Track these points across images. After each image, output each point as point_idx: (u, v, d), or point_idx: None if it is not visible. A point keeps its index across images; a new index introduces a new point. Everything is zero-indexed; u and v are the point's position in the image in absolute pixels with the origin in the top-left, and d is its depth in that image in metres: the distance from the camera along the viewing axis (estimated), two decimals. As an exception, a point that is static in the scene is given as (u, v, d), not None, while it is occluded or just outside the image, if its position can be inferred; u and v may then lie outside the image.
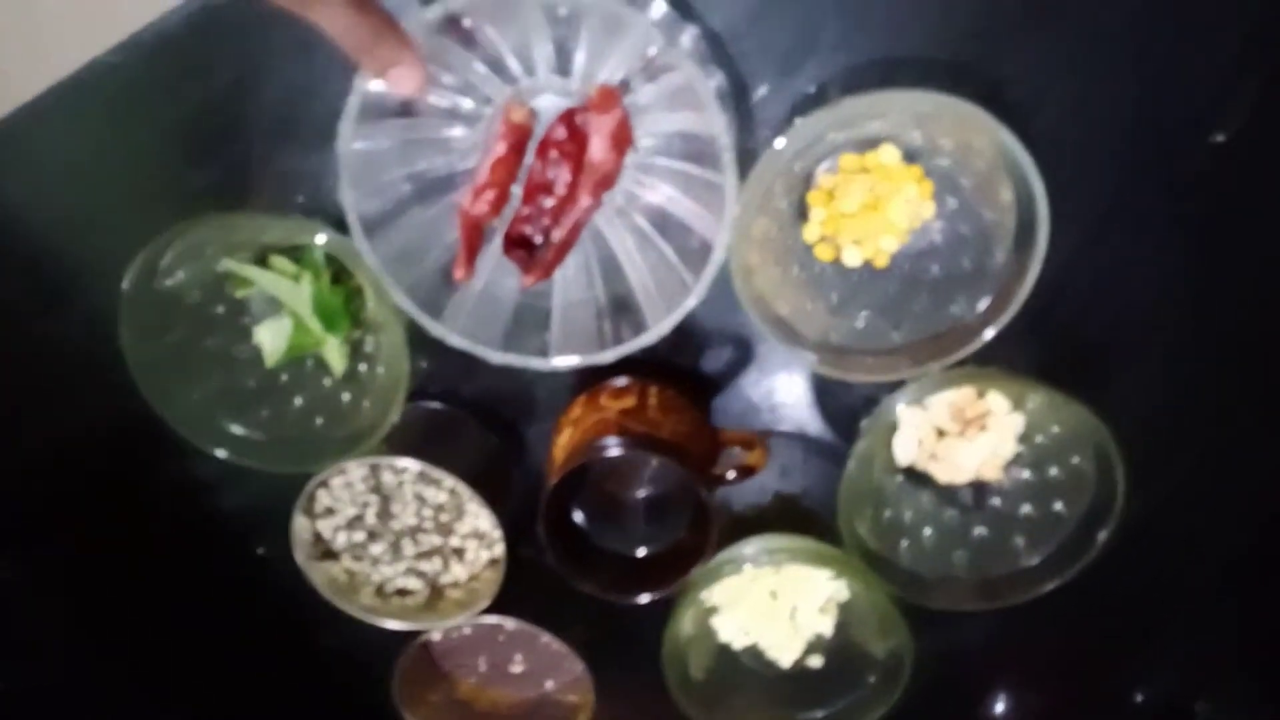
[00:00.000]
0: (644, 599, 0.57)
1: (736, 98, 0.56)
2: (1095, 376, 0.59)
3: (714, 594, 0.65)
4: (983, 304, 0.52)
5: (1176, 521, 0.64)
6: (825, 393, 0.64)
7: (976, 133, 0.49)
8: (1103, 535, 0.56)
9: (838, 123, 0.52)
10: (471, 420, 0.64)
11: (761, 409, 0.64)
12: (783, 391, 0.64)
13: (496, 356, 0.55)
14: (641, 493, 0.60)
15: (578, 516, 0.59)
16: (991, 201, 0.52)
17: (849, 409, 0.63)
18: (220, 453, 0.59)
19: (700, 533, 0.55)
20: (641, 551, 0.59)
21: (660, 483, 0.60)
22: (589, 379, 0.62)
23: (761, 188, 0.50)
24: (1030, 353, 0.59)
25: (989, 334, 0.51)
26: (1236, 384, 0.60)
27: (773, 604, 0.65)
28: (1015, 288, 0.50)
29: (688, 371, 0.63)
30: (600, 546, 0.59)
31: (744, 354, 0.62)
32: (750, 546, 0.62)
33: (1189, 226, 0.56)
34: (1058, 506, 0.58)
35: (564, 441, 0.58)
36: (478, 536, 0.63)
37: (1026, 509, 0.59)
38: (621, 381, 0.60)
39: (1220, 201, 0.55)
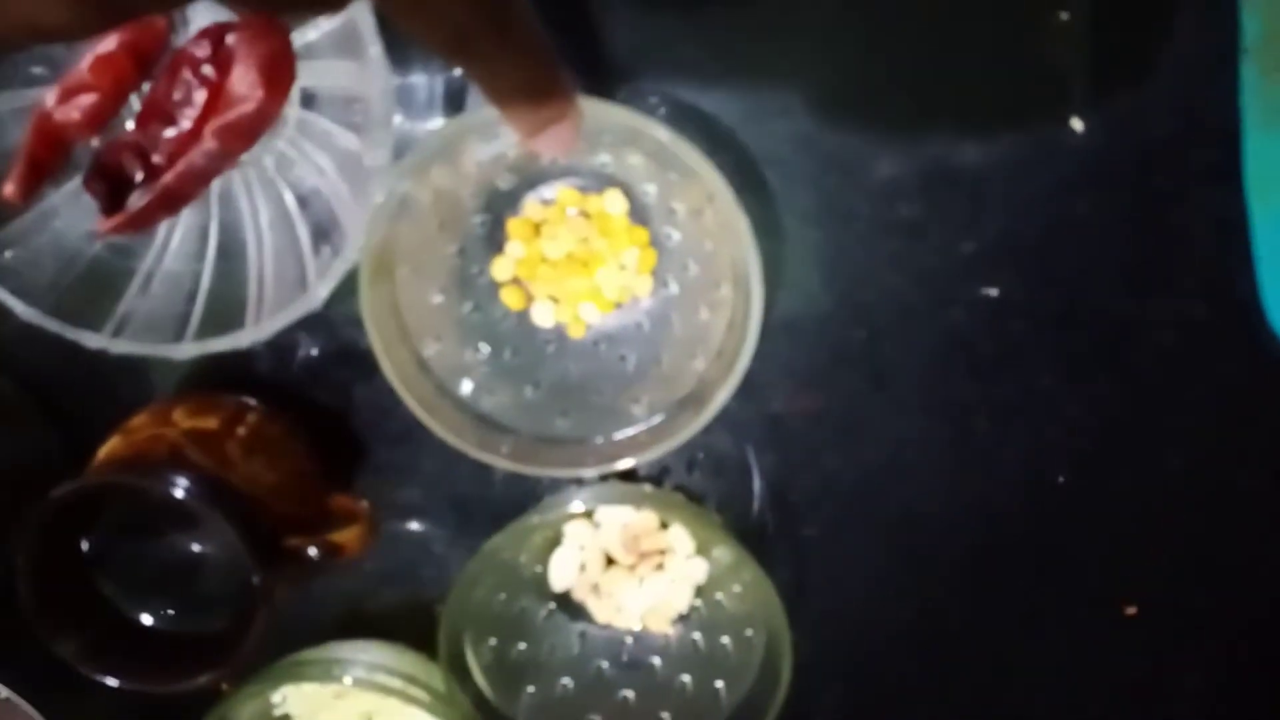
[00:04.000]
0: (113, 683, 0.41)
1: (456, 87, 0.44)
2: (788, 547, 0.48)
3: (289, 700, 0.50)
4: (661, 415, 0.41)
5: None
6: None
7: (709, 204, 0.39)
8: (752, 734, 0.44)
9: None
10: (24, 401, 0.48)
11: (414, 473, 0.51)
12: (444, 456, 0.50)
13: (30, 314, 0.40)
14: (196, 548, 0.45)
15: (88, 552, 0.43)
16: (709, 297, 0.41)
17: (532, 492, 0.50)
18: None
19: (244, 620, 0.40)
20: (148, 621, 0.44)
21: (218, 541, 0.45)
22: (198, 381, 0.48)
23: (420, 178, 0.38)
24: (723, 494, 0.48)
25: (658, 451, 0.39)
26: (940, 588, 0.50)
27: (363, 730, 0.50)
28: (701, 409, 0.38)
29: (328, 409, 0.49)
30: (113, 606, 0.43)
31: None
32: (345, 650, 0.48)
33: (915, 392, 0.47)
34: (718, 685, 0.46)
35: (104, 454, 0.43)
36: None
37: (685, 679, 0.48)
38: (224, 398, 0.46)
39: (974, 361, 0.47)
